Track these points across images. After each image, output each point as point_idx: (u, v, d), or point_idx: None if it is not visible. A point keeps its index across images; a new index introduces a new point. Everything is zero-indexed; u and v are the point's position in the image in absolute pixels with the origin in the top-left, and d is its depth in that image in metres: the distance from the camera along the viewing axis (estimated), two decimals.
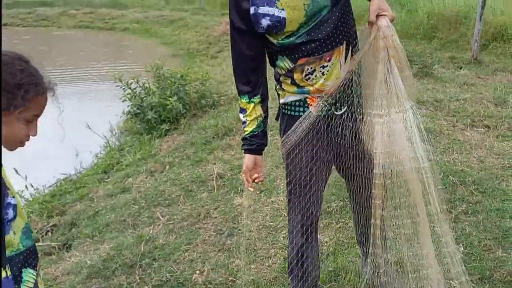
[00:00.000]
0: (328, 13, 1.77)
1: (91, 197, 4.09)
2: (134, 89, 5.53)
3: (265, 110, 1.96)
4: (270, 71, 2.00)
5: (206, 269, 2.79)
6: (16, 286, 1.35)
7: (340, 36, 1.82)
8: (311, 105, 1.90)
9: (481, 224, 3.17)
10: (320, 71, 1.83)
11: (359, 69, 1.80)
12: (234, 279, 2.67)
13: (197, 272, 2.77)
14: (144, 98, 5.36)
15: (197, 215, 3.41)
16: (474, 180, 3.73)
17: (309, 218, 2.02)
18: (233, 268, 2.77)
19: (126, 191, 4.02)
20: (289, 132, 1.90)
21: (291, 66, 1.84)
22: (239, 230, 3.19)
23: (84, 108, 7.07)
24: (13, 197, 1.35)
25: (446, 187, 3.61)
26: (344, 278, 2.58)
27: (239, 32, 1.84)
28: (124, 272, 2.81)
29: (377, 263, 1.90)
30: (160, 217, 3.45)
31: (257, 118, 1.92)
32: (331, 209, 3.31)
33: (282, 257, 2.82)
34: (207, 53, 10.27)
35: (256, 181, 1.98)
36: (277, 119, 2.08)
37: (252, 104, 1.91)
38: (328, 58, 1.82)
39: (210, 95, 5.71)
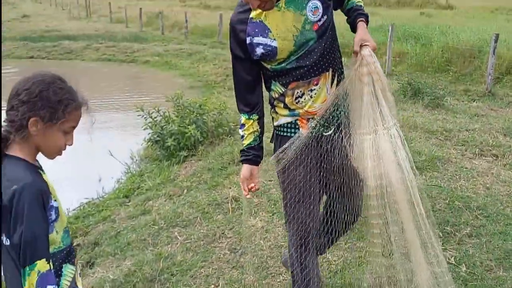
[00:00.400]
0: (315, 43, 2.03)
1: (113, 219, 4.32)
2: (155, 117, 5.82)
3: (261, 126, 2.22)
4: (266, 97, 2.25)
5: (220, 284, 2.97)
6: (57, 279, 1.56)
7: (326, 64, 2.07)
8: (301, 126, 2.13)
9: (484, 246, 3.31)
10: (309, 94, 2.08)
11: (345, 95, 2.02)
12: None
13: (212, 286, 2.96)
14: (164, 126, 5.63)
15: (212, 235, 3.60)
16: (479, 205, 3.87)
17: (307, 230, 2.19)
18: (247, 284, 2.95)
19: (146, 213, 4.24)
20: (281, 148, 2.11)
21: (283, 90, 2.10)
22: (252, 249, 3.38)
23: (107, 136, 7.39)
24: (55, 200, 1.57)
25: (451, 212, 3.76)
26: None
27: (238, 60, 2.12)
28: (144, 286, 3.00)
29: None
30: (178, 236, 3.65)
31: (253, 133, 2.17)
32: None
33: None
34: (224, 85, 10.61)
35: (252, 190, 2.19)
36: (271, 141, 2.33)
37: (251, 121, 2.17)
38: (315, 82, 2.07)
39: (227, 123, 5.98)
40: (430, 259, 1.93)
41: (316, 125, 2.10)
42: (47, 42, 17.52)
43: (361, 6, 2.17)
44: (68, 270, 1.59)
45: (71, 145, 1.59)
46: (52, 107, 1.49)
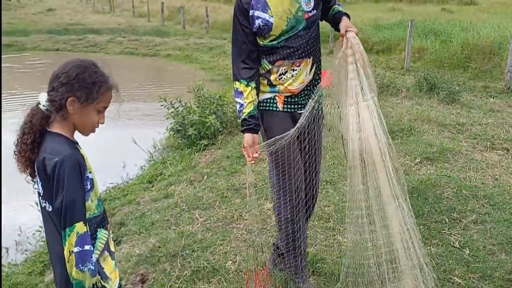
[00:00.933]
0: (303, 30, 2.41)
1: (137, 202, 4.59)
2: (177, 108, 6.07)
3: (257, 96, 2.51)
4: None
5: (237, 260, 3.22)
6: (92, 242, 1.80)
7: (309, 51, 2.47)
8: (279, 102, 2.51)
9: (488, 232, 3.48)
10: (291, 73, 2.47)
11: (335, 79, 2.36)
12: (262, 269, 3.07)
13: (230, 261, 3.20)
14: (186, 116, 5.89)
15: (231, 217, 3.85)
16: (486, 194, 4.04)
17: (297, 198, 2.54)
18: (262, 261, 3.17)
19: (169, 196, 4.50)
20: (272, 140, 2.41)
21: (270, 67, 2.47)
22: (268, 230, 3.61)
23: (131, 125, 7.70)
24: (90, 172, 1.80)
25: (458, 200, 3.93)
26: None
27: (244, 29, 2.44)
28: (168, 260, 3.26)
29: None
30: (199, 218, 3.90)
31: (253, 102, 2.45)
32: None
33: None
34: None
35: (256, 157, 2.45)
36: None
37: (249, 88, 2.44)
38: (298, 64, 2.46)
39: None
40: (399, 212, 2.27)
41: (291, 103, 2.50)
42: (72, 35, 17.94)
43: (344, 11, 2.60)
44: (102, 233, 1.81)
45: (103, 123, 1.81)
46: (88, 88, 1.71)
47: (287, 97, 2.53)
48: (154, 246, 3.44)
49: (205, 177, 4.79)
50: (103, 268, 1.79)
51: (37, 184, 1.76)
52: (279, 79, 2.48)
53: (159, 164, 5.70)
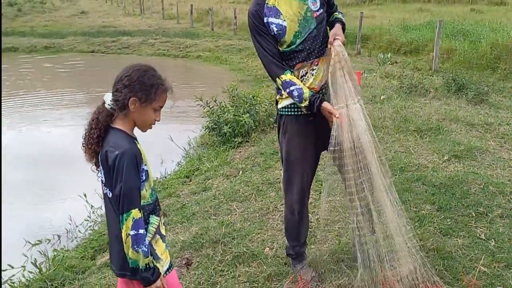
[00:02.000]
0: (315, 29, 2.61)
1: (177, 194, 4.88)
2: (212, 107, 6.36)
3: None
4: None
5: (274, 246, 3.46)
6: (145, 227, 2.01)
7: (324, 49, 2.66)
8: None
9: None
10: (311, 73, 2.65)
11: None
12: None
13: (268, 248, 3.45)
14: (220, 115, 6.18)
15: (266, 209, 4.10)
16: None
17: (306, 183, 2.82)
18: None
19: (207, 190, 4.79)
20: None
21: (291, 72, 2.63)
22: None
23: (167, 123, 8.04)
24: (145, 165, 2.02)
25: (485, 195, 4.09)
26: None
27: (263, 36, 2.62)
28: (210, 246, 3.53)
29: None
30: (236, 209, 4.17)
31: (304, 84, 2.62)
32: None
33: (336, 241, 3.44)
34: None
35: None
36: (275, 122, 2.94)
37: (294, 76, 2.62)
38: (316, 63, 2.65)
39: None
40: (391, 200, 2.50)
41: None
42: (106, 38, 18.52)
43: (342, 17, 2.79)
44: (154, 219, 2.04)
45: (159, 121, 2.05)
46: (147, 90, 1.96)
47: None
48: (197, 234, 3.72)
49: (241, 172, 5.06)
50: (155, 250, 2.02)
51: (101, 173, 2.04)
52: (301, 80, 2.64)
53: (195, 160, 5.99)
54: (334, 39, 2.53)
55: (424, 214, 3.77)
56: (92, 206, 4.90)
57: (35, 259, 3.94)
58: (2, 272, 3.71)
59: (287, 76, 2.60)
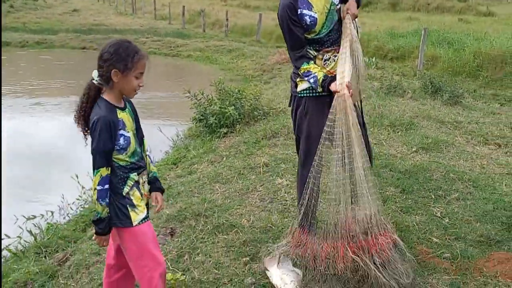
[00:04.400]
0: (338, 21, 2.96)
1: (164, 178, 5.21)
2: (200, 99, 6.71)
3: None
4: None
5: (252, 219, 3.82)
6: (124, 180, 2.32)
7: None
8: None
9: (468, 207, 4.03)
10: (333, 59, 2.98)
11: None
12: (272, 226, 3.67)
13: (245, 220, 3.80)
14: (207, 107, 6.53)
15: (246, 189, 4.45)
16: (471, 178, 4.58)
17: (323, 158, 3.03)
18: (273, 221, 3.77)
19: (192, 173, 5.13)
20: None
21: (315, 54, 2.97)
22: (278, 199, 4.20)
23: (154, 114, 8.39)
24: (128, 132, 2.31)
25: (445, 181, 4.49)
26: None
27: (297, 26, 2.92)
28: (193, 218, 3.87)
29: None
30: (219, 189, 4.52)
31: (320, 69, 2.94)
32: None
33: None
34: (261, 79, 11.47)
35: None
36: (290, 105, 3.19)
37: (311, 64, 2.94)
38: (338, 50, 2.95)
39: (261, 108, 6.84)
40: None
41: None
42: (97, 35, 18.77)
43: None
44: (133, 175, 2.36)
45: (143, 86, 2.35)
46: (124, 60, 2.25)
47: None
48: (181, 208, 4.06)
49: (224, 158, 5.41)
50: (132, 200, 2.35)
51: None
52: (324, 65, 2.96)
53: (182, 149, 6.34)
54: (347, 13, 2.84)
55: (388, 195, 4.16)
56: (83, 187, 5.20)
57: (30, 230, 4.26)
58: None
59: (305, 66, 2.94)
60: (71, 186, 5.14)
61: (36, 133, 7.92)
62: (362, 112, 3.13)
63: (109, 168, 2.27)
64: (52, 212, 4.86)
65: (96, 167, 2.23)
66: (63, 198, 5.04)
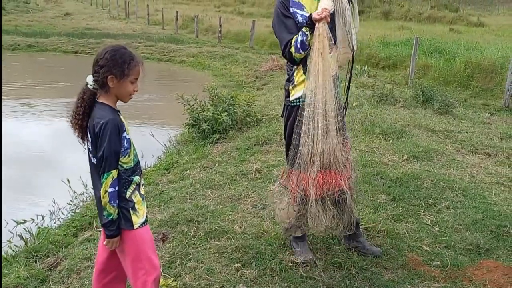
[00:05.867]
0: (330, 23, 2.96)
1: (156, 183, 5.21)
2: (193, 105, 6.72)
3: None
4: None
5: (244, 225, 3.83)
6: (129, 183, 2.34)
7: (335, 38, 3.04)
8: None
9: (458, 215, 4.08)
10: None
11: None
12: (264, 232, 3.69)
13: (237, 226, 3.81)
14: (200, 113, 6.54)
15: (238, 195, 4.47)
16: (461, 187, 4.64)
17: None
18: (264, 227, 3.78)
19: (184, 179, 5.13)
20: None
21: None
22: (270, 206, 4.22)
23: (147, 120, 8.38)
24: (127, 133, 2.33)
25: (436, 189, 4.53)
26: None
27: (288, 19, 3.01)
28: (185, 224, 3.87)
29: None
30: (211, 195, 4.52)
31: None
32: None
33: None
34: (254, 85, 11.51)
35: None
36: (282, 115, 3.25)
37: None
38: (330, 52, 2.95)
39: (254, 114, 6.87)
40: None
41: None
42: (90, 39, 18.72)
43: None
44: (136, 178, 2.40)
45: (137, 91, 2.39)
46: (120, 66, 2.29)
47: None
48: (173, 213, 4.06)
49: (217, 164, 5.42)
50: (134, 202, 2.38)
51: (88, 143, 2.39)
52: (312, 47, 2.99)
53: (175, 155, 6.33)
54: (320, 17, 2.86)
55: (379, 202, 4.19)
56: (74, 192, 5.19)
57: (21, 234, 4.23)
58: None
59: (293, 40, 2.98)
60: (62, 190, 5.12)
61: (24, 135, 7.89)
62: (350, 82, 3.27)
63: (117, 171, 2.30)
64: (43, 217, 4.83)
65: (107, 169, 2.26)
66: (54, 202, 5.01)
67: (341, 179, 2.98)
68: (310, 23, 2.91)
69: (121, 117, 2.37)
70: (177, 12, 23.39)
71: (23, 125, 8.47)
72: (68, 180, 5.13)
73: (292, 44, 2.98)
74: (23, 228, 4.46)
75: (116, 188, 2.30)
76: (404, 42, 15.05)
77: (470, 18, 25.70)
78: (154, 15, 27.92)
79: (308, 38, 2.93)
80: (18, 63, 15.18)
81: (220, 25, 19.80)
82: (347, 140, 3.14)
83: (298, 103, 3.08)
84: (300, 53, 2.97)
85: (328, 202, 3.00)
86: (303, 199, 3.01)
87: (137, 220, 2.38)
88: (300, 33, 2.96)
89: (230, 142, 6.16)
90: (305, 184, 2.98)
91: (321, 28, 2.88)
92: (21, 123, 8.61)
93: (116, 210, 2.32)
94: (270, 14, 28.46)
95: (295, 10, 3.03)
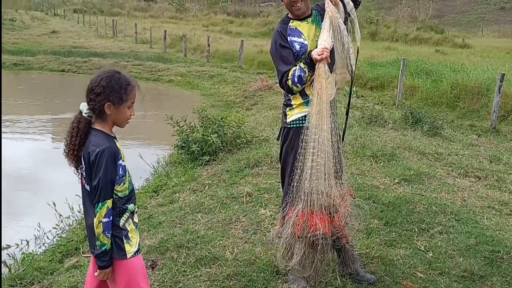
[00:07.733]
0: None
1: (145, 206, 5.11)
2: (182, 126, 6.66)
3: None
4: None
5: (235, 251, 3.75)
6: (123, 211, 2.28)
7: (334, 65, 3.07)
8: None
9: (451, 241, 4.05)
10: None
11: None
12: (256, 259, 3.61)
13: (228, 252, 3.73)
14: (190, 134, 6.48)
15: (229, 219, 4.39)
16: (453, 211, 4.62)
17: None
18: (257, 253, 3.70)
19: (174, 202, 5.04)
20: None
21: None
22: (261, 230, 4.15)
23: (134, 139, 8.29)
24: (123, 161, 2.29)
25: (428, 214, 4.51)
26: None
27: (286, 48, 3.01)
28: (175, 250, 3.77)
29: None
30: (201, 219, 4.44)
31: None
32: None
33: None
34: (243, 105, 11.48)
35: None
36: (278, 139, 3.21)
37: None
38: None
39: (244, 136, 6.81)
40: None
41: None
42: (77, 58, 18.61)
43: None
44: (130, 206, 2.35)
45: (134, 115, 2.36)
46: (117, 92, 2.24)
47: None
48: (162, 239, 3.96)
49: (207, 187, 5.34)
50: (128, 231, 2.32)
51: (82, 170, 2.32)
52: (312, 88, 2.96)
53: (163, 176, 6.24)
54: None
55: (372, 227, 4.15)
56: (60, 215, 5.06)
57: (5, 260, 4.10)
58: None
59: (289, 73, 2.96)
60: (47, 212, 5.00)
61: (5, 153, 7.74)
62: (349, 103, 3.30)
63: (112, 200, 2.23)
64: (28, 241, 4.70)
65: (102, 199, 2.19)
66: (39, 226, 4.88)
67: (323, 223, 2.91)
68: (310, 61, 2.89)
69: (117, 143, 2.31)
70: (165, 31, 23.43)
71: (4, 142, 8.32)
72: (54, 204, 5.02)
73: (289, 77, 2.96)
74: (7, 253, 4.34)
75: (111, 218, 2.23)
76: (391, 62, 15.19)
77: (455, 39, 26.15)
78: (142, 34, 27.95)
79: (306, 75, 2.92)
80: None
81: (209, 44, 19.85)
82: (343, 186, 3.09)
83: (295, 125, 3.06)
84: (298, 86, 2.97)
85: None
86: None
87: (130, 249, 2.32)
88: (298, 67, 2.94)
89: (220, 164, 6.10)
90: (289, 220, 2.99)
91: (321, 69, 2.87)
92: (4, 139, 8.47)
93: (110, 240, 2.24)
94: (259, 33, 29.00)
95: (293, 38, 3.02)
